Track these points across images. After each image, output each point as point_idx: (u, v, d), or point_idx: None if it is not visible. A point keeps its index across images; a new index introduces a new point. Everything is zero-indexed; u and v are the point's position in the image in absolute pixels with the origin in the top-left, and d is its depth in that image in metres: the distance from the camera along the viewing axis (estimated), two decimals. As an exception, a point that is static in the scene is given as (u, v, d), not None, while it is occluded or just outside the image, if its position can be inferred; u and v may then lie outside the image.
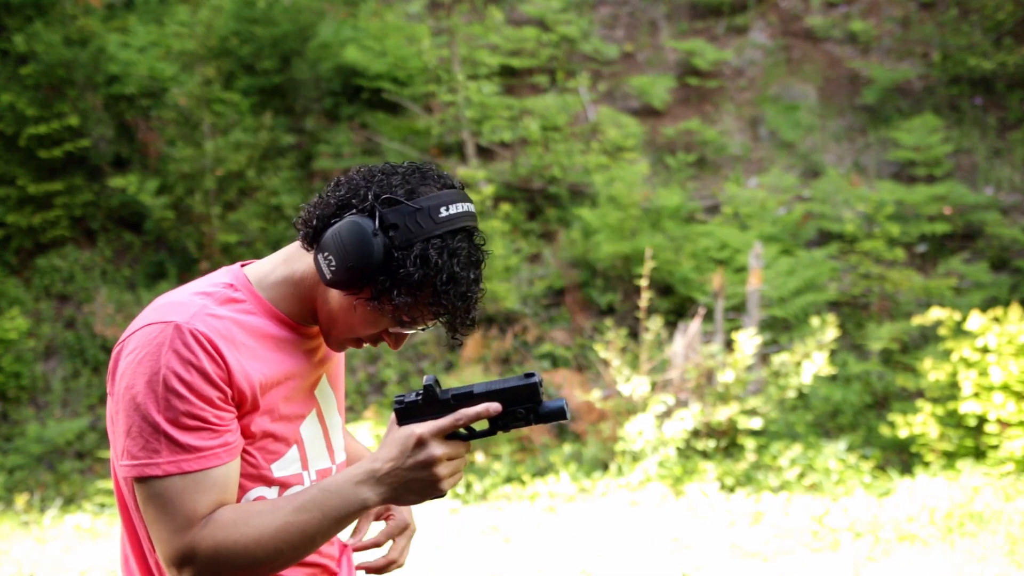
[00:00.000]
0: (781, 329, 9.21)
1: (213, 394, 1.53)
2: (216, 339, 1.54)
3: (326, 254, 1.56)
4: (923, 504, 5.95)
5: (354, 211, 1.56)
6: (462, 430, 1.60)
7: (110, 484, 7.56)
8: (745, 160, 11.72)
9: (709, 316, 8.69)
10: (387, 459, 1.56)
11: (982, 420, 6.91)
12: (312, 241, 1.61)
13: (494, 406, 1.57)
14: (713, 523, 6.03)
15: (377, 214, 1.55)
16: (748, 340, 7.23)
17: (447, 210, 1.57)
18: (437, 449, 1.55)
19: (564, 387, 8.49)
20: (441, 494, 1.58)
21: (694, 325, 7.85)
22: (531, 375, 1.58)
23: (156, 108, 11.14)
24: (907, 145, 10.86)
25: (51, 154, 10.58)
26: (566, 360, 9.40)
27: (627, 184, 10.10)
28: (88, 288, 10.55)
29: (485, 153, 11.48)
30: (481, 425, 1.63)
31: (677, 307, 9.53)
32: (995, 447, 6.78)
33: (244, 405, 1.59)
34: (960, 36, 12.07)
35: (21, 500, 7.47)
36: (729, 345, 8.14)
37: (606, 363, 7.85)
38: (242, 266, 1.72)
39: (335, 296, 1.62)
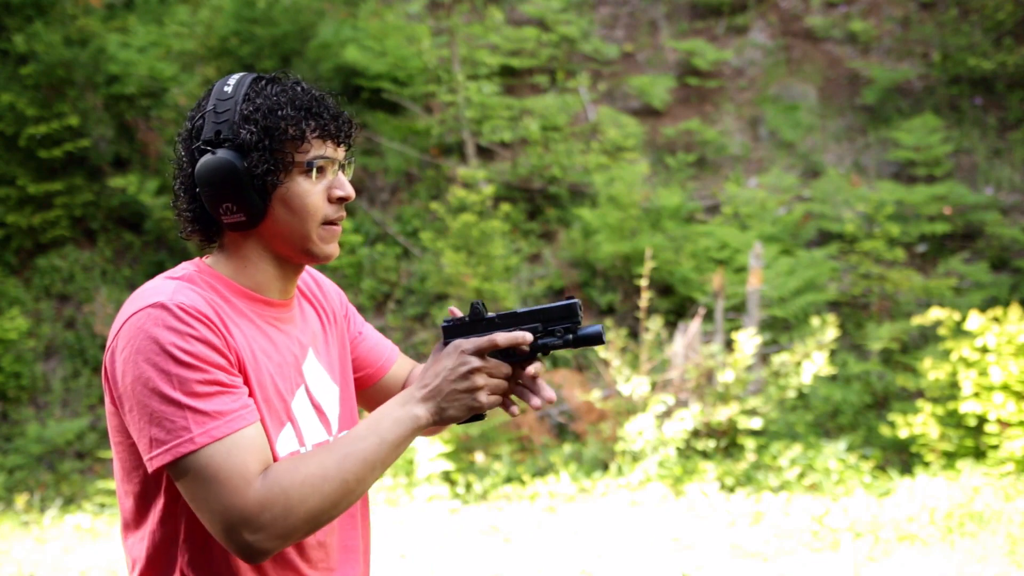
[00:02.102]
0: (781, 329, 9.21)
1: (217, 358, 1.54)
2: (203, 308, 1.55)
3: (221, 211, 1.63)
4: (923, 504, 5.95)
5: (190, 172, 1.67)
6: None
7: (110, 484, 7.56)
8: (745, 160, 11.71)
9: (709, 316, 8.69)
10: (434, 374, 1.63)
11: (982, 420, 6.90)
12: (205, 230, 1.69)
13: (527, 336, 1.65)
14: (713, 523, 6.03)
15: (198, 148, 1.65)
16: (748, 340, 7.23)
17: (227, 85, 1.66)
18: (475, 360, 1.62)
19: (564, 387, 8.48)
20: (481, 407, 1.63)
21: (694, 325, 7.84)
22: (571, 298, 1.69)
23: (156, 108, 11.13)
24: (907, 145, 10.86)
25: (51, 154, 10.57)
26: (566, 360, 9.40)
27: (627, 184, 10.09)
28: (88, 288, 10.55)
29: (485, 153, 11.48)
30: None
31: (677, 307, 9.52)
32: (995, 447, 6.78)
33: (242, 375, 1.59)
34: (960, 36, 12.06)
35: (21, 500, 7.47)
36: (729, 345, 8.14)
37: (606, 363, 7.85)
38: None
39: (268, 223, 1.66)
